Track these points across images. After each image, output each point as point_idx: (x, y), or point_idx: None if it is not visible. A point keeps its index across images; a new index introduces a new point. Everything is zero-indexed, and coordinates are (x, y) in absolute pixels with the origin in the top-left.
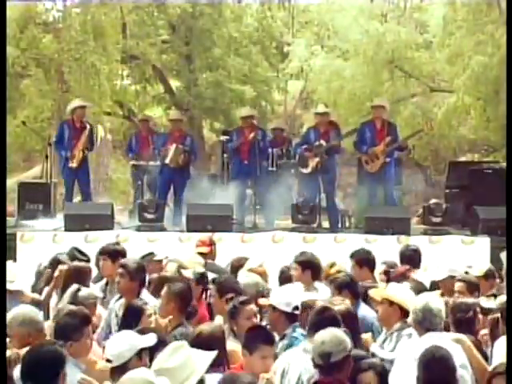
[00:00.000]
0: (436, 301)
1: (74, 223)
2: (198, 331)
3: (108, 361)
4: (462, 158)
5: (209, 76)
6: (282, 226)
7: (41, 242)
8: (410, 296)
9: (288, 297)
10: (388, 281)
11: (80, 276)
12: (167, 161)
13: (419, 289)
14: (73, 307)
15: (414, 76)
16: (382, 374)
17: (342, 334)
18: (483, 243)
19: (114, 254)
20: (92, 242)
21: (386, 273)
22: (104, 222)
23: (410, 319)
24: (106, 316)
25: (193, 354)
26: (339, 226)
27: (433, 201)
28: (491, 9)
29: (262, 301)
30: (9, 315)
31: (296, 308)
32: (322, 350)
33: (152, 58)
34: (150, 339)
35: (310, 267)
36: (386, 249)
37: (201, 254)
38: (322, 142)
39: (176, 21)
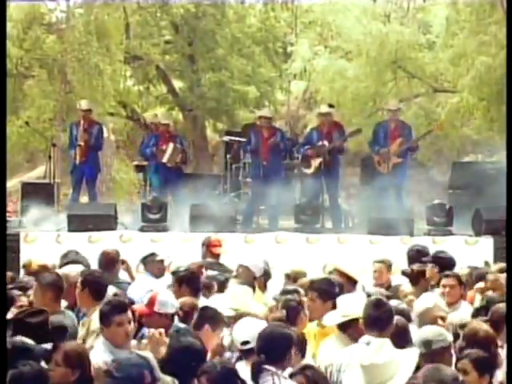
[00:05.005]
0: None
1: (78, 223)
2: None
3: None
4: (466, 159)
5: (212, 76)
6: (285, 226)
7: (44, 242)
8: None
9: (170, 298)
10: None
11: None
12: (164, 160)
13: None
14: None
15: (417, 76)
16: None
17: (443, 328)
18: (487, 244)
19: None
20: (95, 243)
21: None
22: (107, 222)
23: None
24: None
25: (396, 352)
26: (342, 226)
27: (436, 201)
28: (494, 9)
29: (136, 306)
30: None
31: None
32: (423, 338)
33: (155, 58)
34: None
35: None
36: (389, 249)
37: (217, 255)
38: (325, 142)
39: (179, 21)
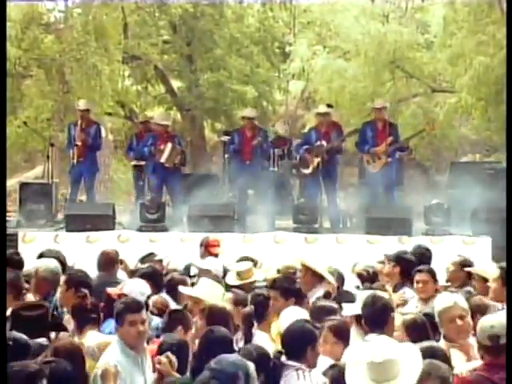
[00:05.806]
0: None
1: (76, 223)
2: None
3: None
4: (464, 159)
5: (210, 76)
6: (284, 226)
7: (42, 242)
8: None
9: (142, 287)
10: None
11: None
12: (163, 160)
13: None
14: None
15: (416, 76)
16: None
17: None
18: (484, 243)
19: None
20: (93, 243)
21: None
22: (105, 222)
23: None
24: None
25: (399, 349)
26: (340, 226)
27: (434, 201)
28: (492, 9)
29: (110, 290)
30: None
31: None
32: (491, 333)
33: (153, 58)
34: None
35: None
36: (387, 249)
37: (215, 255)
38: (323, 142)
39: (177, 21)
